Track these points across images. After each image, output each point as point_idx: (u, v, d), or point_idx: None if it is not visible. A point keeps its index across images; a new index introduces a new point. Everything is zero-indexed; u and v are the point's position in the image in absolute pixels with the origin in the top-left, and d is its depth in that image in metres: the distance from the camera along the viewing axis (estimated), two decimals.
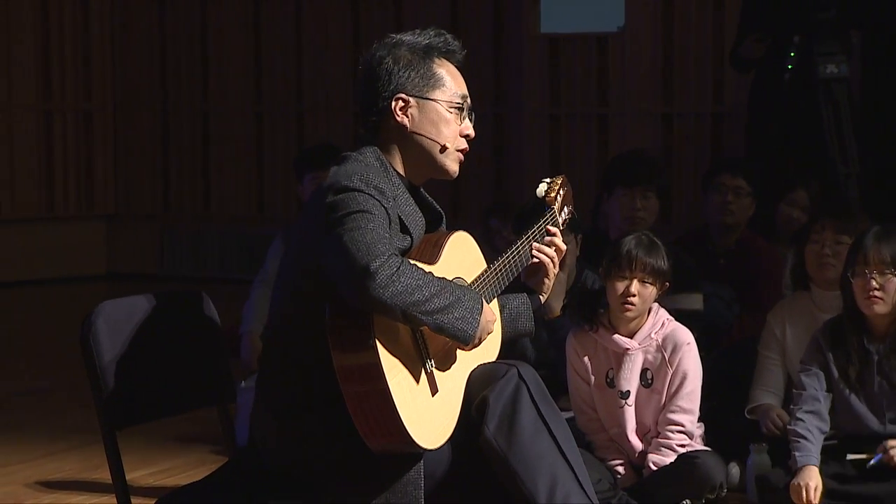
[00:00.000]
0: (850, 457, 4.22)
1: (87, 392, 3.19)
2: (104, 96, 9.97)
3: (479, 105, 9.02)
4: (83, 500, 4.55)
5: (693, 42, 8.57)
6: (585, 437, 4.38)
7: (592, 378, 4.35)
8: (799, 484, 4.12)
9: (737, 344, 5.27)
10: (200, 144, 9.87)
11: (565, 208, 3.53)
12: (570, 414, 4.45)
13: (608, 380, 4.33)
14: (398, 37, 3.24)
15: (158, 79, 9.93)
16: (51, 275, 9.55)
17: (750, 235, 5.77)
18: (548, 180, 3.50)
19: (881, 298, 4.19)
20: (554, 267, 3.39)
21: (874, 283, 4.18)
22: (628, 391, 4.30)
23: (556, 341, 4.70)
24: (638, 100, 8.70)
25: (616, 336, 4.31)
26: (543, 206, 3.45)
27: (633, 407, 4.31)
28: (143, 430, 5.20)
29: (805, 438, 4.20)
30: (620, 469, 4.32)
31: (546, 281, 3.40)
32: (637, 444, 4.32)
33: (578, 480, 3.16)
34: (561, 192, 3.50)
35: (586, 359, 4.35)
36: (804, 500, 4.10)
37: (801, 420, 4.24)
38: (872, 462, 4.19)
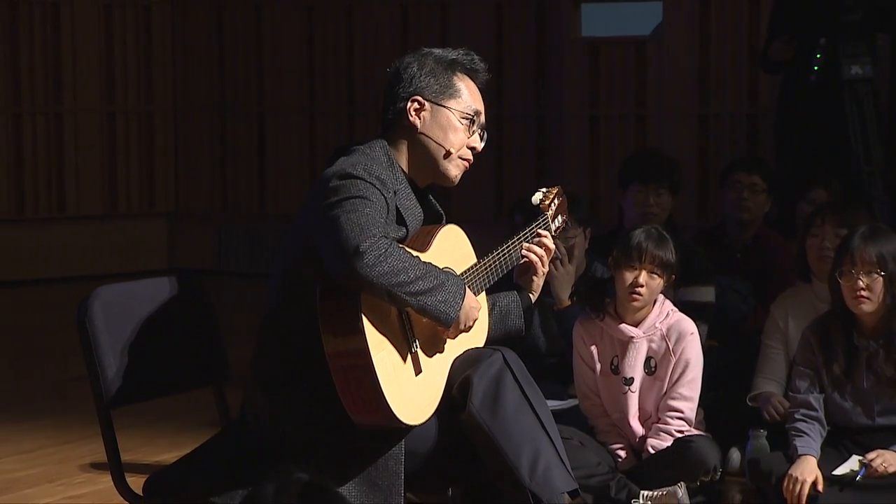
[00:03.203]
0: (835, 472, 4.19)
1: None
2: (165, 99, 10.06)
3: (522, 107, 9.09)
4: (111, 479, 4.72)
5: (729, 45, 8.55)
6: (588, 422, 4.45)
7: (598, 365, 4.39)
8: (796, 477, 4.13)
9: (744, 336, 5.34)
10: (256, 145, 9.95)
11: (559, 217, 3.64)
12: (576, 402, 4.55)
13: (612, 367, 4.38)
14: (429, 49, 3.42)
15: (216, 82, 10.00)
16: (113, 270, 9.50)
17: (766, 231, 5.82)
18: (544, 189, 3.64)
19: (868, 298, 4.19)
20: (543, 266, 3.50)
21: (861, 283, 4.19)
22: (632, 378, 4.34)
23: (566, 331, 4.73)
24: (675, 101, 8.67)
25: (622, 325, 4.36)
26: (537, 212, 3.58)
27: (636, 393, 4.35)
28: (175, 415, 5.42)
29: (807, 434, 4.22)
30: (621, 453, 4.37)
31: (535, 279, 3.52)
32: (638, 429, 4.37)
33: (559, 455, 3.27)
34: (556, 201, 3.63)
35: (593, 346, 4.40)
36: (794, 494, 4.11)
37: (801, 420, 4.26)
38: (859, 477, 4.16)
